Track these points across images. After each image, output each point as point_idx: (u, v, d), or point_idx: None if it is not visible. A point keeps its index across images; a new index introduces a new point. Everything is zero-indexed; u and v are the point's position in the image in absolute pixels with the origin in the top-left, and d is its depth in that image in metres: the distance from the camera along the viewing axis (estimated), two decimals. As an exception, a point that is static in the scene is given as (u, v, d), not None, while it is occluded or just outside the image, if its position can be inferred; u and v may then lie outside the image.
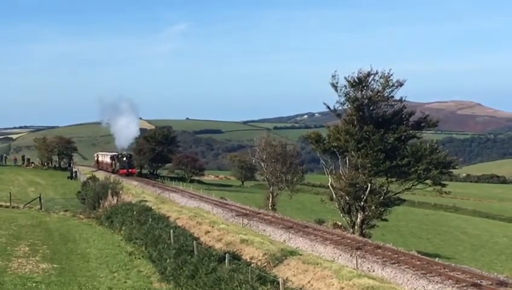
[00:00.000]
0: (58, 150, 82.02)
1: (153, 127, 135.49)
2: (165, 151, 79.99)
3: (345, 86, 32.67)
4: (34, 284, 19.78)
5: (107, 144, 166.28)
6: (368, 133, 32.24)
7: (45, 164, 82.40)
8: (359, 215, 33.55)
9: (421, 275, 18.44)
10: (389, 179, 33.64)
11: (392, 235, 43.73)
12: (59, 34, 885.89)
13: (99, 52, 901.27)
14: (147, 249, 25.28)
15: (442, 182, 33.66)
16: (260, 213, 34.51)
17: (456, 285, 17.32)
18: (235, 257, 20.81)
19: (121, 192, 42.23)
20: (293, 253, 22.00)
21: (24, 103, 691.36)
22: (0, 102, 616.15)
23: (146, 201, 39.40)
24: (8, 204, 41.70)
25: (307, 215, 46.15)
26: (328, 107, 34.66)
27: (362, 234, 32.16)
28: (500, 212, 74.56)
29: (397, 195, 34.47)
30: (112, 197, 40.05)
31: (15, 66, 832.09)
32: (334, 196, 34.92)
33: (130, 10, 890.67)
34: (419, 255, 22.79)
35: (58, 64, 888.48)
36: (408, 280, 18.13)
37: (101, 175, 59.99)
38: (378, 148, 31.98)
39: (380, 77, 32.11)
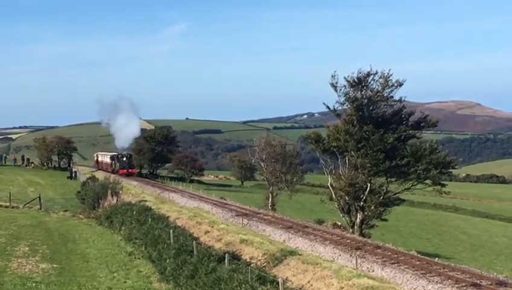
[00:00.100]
0: (58, 150, 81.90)
1: (153, 127, 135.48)
2: (164, 151, 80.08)
3: (345, 86, 32.73)
4: (33, 284, 19.79)
5: (106, 144, 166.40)
6: (367, 133, 32.24)
7: (45, 164, 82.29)
8: (359, 215, 33.55)
9: (421, 275, 18.43)
10: (389, 179, 33.64)
11: (392, 235, 43.73)
12: (59, 34, 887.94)
13: (99, 52, 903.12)
14: (146, 249, 25.29)
15: (441, 182, 33.60)
16: (260, 213, 34.49)
17: (456, 285, 17.31)
18: (235, 257, 20.80)
19: (120, 192, 42.26)
20: (292, 253, 21.97)
21: (24, 103, 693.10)
22: (0, 102, 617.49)
23: (146, 201, 39.38)
24: (8, 204, 41.70)
25: (307, 215, 46.15)
26: (328, 107, 34.73)
27: (362, 234, 32.16)
28: (500, 212, 74.60)
29: (397, 195, 34.47)
30: (112, 197, 40.04)
31: (15, 66, 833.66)
32: (333, 196, 34.92)
33: (129, 10, 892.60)
34: (418, 255, 22.77)
35: (58, 64, 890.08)
36: (408, 280, 18.11)
37: (100, 175, 60.00)
38: (377, 148, 31.98)
39: (380, 77, 32.15)
